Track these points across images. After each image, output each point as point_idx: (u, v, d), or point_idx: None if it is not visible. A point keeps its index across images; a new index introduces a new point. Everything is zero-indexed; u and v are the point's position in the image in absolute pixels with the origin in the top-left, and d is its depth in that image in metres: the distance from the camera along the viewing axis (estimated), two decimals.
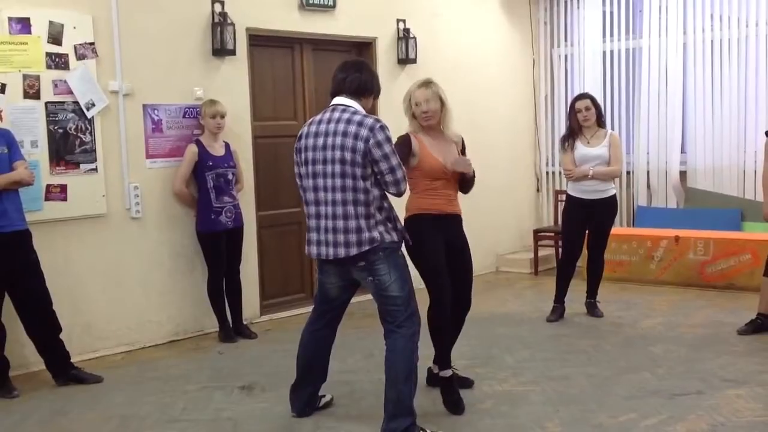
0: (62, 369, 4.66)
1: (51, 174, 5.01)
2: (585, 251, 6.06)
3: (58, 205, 5.04)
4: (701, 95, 7.63)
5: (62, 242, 5.07)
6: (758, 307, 5.35)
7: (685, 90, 7.76)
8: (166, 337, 5.60)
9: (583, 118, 5.72)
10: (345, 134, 3.54)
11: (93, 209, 5.21)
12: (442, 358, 4.11)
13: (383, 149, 3.52)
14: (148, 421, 4.03)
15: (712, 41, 7.56)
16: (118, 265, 5.35)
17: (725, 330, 5.41)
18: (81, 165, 5.14)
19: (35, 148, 4.93)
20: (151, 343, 5.52)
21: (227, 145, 5.61)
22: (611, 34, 8.17)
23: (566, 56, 8.55)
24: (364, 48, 6.90)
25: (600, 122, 5.81)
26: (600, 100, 7.84)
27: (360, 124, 3.54)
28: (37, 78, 4.94)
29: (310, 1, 6.33)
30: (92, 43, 5.17)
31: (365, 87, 3.72)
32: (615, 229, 6.05)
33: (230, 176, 5.53)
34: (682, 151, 7.81)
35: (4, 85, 4.80)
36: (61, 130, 5.05)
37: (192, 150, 5.45)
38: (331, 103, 3.75)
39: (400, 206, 3.94)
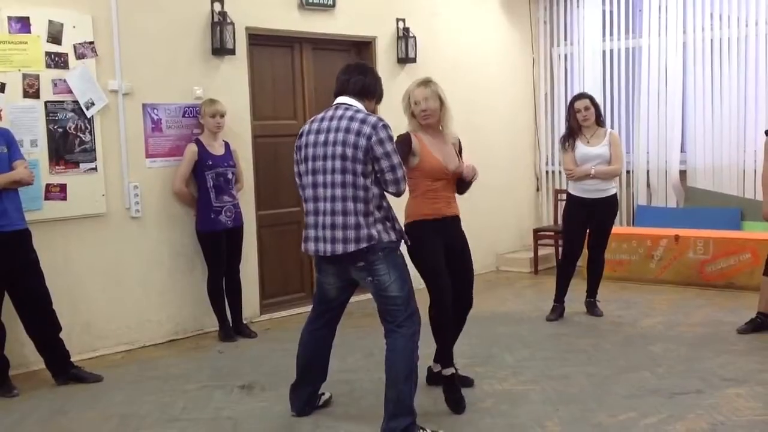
0: (62, 368, 4.66)
1: (50, 173, 5.01)
2: (585, 250, 6.06)
3: (57, 204, 5.04)
4: (701, 94, 7.63)
5: (62, 241, 5.07)
6: (758, 306, 5.35)
7: (685, 89, 7.76)
8: (165, 337, 5.60)
9: (582, 118, 5.72)
10: (347, 130, 3.54)
11: (93, 209, 5.21)
12: (444, 356, 4.11)
13: (385, 147, 3.52)
14: (148, 420, 4.03)
15: (711, 40, 7.56)
16: (117, 264, 5.36)
17: (725, 329, 5.41)
18: (81, 164, 5.14)
19: (35, 148, 4.93)
20: (151, 342, 5.52)
21: (227, 145, 5.61)
22: (611, 34, 8.16)
23: (566, 55, 8.55)
24: (363, 47, 6.90)
25: (599, 121, 5.81)
26: (600, 100, 7.87)
27: (363, 121, 3.55)
28: (37, 77, 4.94)
29: (310, 1, 6.33)
30: (92, 43, 5.17)
31: (368, 89, 3.73)
32: (615, 229, 6.05)
33: (230, 175, 5.53)
34: (682, 150, 7.81)
35: (3, 85, 4.80)
36: (60, 130, 5.05)
37: (192, 149, 5.44)
38: (334, 102, 3.74)
39: (398, 208, 3.93)
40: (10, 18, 4.82)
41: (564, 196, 6.80)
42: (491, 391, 4.29)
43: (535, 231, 7.96)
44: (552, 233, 7.85)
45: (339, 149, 3.54)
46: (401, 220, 3.92)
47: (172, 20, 5.57)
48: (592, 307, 6.02)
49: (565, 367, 4.69)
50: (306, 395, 3.99)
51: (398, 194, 3.65)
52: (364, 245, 3.53)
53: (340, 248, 3.56)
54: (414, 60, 7.06)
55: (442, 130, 4.14)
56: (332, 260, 3.68)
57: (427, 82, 4.09)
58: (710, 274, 6.82)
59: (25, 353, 4.81)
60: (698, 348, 4.99)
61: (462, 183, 4.21)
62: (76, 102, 5.10)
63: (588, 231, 5.90)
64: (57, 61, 5.02)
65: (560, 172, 8.31)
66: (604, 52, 8.22)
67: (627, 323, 5.72)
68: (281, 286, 6.43)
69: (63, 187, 5.05)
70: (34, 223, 4.66)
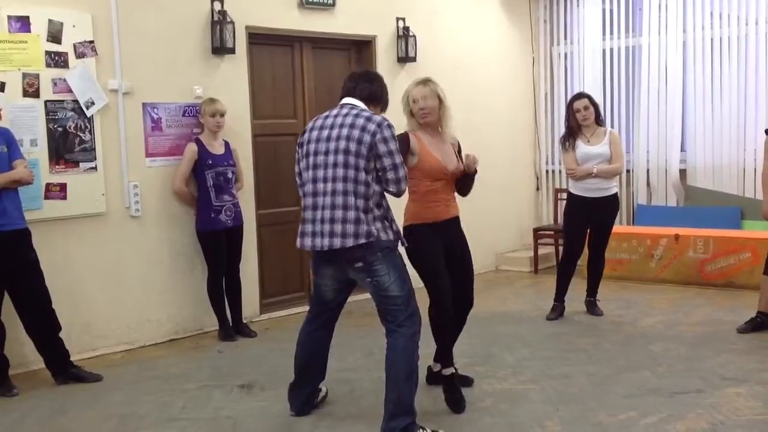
0: (62, 368, 4.66)
1: (50, 173, 5.00)
2: (585, 249, 6.05)
3: (57, 203, 5.03)
4: (701, 93, 7.63)
5: (62, 241, 5.07)
6: (758, 305, 5.35)
7: (685, 88, 7.76)
8: (165, 336, 5.60)
9: (582, 118, 5.72)
10: (352, 126, 3.56)
11: (92, 208, 5.21)
12: (444, 355, 4.11)
13: (389, 145, 3.54)
14: (148, 419, 4.03)
15: (711, 39, 7.55)
16: (117, 263, 5.35)
17: (725, 328, 5.41)
18: (80, 164, 5.14)
19: (35, 147, 4.92)
20: (151, 341, 5.52)
21: (227, 144, 5.61)
22: (611, 32, 8.16)
23: (566, 54, 8.55)
24: (363, 46, 6.89)
25: (598, 121, 5.81)
26: (600, 99, 7.90)
27: (368, 119, 3.58)
28: (37, 76, 4.94)
29: (310, 0, 6.32)
30: (92, 42, 5.17)
31: (375, 96, 3.77)
32: (615, 228, 6.05)
33: (230, 175, 5.53)
34: (682, 149, 7.81)
35: (3, 84, 4.80)
36: (60, 129, 5.04)
37: (192, 148, 5.44)
38: (340, 103, 3.75)
39: (398, 210, 3.91)
40: (9, 17, 4.82)
41: (564, 196, 6.80)
42: (491, 391, 4.29)
43: (535, 230, 7.96)
44: (552, 232, 7.85)
45: (342, 144, 3.54)
46: (400, 221, 3.92)
47: (172, 19, 5.57)
48: (592, 307, 6.02)
49: (565, 366, 4.69)
50: (305, 396, 3.99)
51: (399, 194, 3.65)
52: (362, 241, 3.51)
53: (338, 242, 3.53)
54: (414, 59, 7.05)
55: (441, 130, 4.14)
56: (330, 260, 3.66)
57: (426, 81, 4.10)
58: (710, 273, 6.82)
59: (24, 353, 4.81)
60: (698, 347, 4.99)
61: (464, 183, 4.19)
62: (76, 101, 5.10)
63: (588, 230, 5.89)
64: (57, 60, 5.02)
65: (560, 172, 8.31)
66: (604, 51, 8.22)
67: (627, 322, 5.72)
68: (281, 285, 6.43)
69: (63, 187, 5.05)
70: (33, 222, 4.66)
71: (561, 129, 6.20)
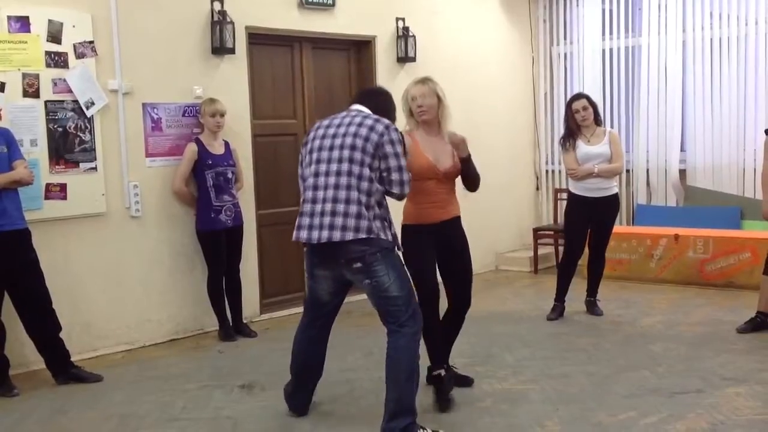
0: (62, 368, 4.66)
1: (50, 173, 5.00)
2: (585, 249, 6.05)
3: (57, 204, 5.03)
4: (701, 93, 7.63)
5: (62, 241, 5.07)
6: (758, 305, 5.35)
7: (685, 88, 7.76)
8: (166, 336, 5.60)
9: (581, 118, 5.73)
10: (360, 125, 3.61)
11: (92, 208, 5.21)
12: (434, 357, 4.10)
13: (395, 148, 3.57)
14: (148, 419, 4.03)
15: (711, 39, 7.56)
16: (117, 264, 5.35)
17: (725, 328, 5.41)
18: (80, 164, 5.14)
19: (35, 147, 4.92)
20: (151, 342, 5.52)
21: (227, 144, 5.61)
22: (611, 32, 8.16)
23: (566, 54, 8.55)
24: (363, 46, 6.89)
25: (597, 121, 5.82)
26: (599, 99, 7.91)
27: (377, 120, 3.63)
28: (37, 77, 4.94)
29: (310, 0, 6.33)
30: (91, 42, 5.17)
31: (381, 109, 3.79)
32: (615, 228, 6.05)
33: (230, 175, 5.53)
34: (682, 149, 7.81)
35: (3, 84, 4.80)
36: (60, 129, 5.05)
37: (191, 149, 5.44)
38: (348, 108, 3.80)
39: (396, 214, 3.90)
40: (9, 17, 4.82)
41: (564, 196, 6.81)
42: (491, 391, 4.29)
43: (535, 230, 7.96)
44: (552, 232, 7.85)
45: (349, 140, 3.57)
46: (398, 224, 3.90)
47: (172, 19, 5.57)
48: (592, 307, 6.02)
49: (565, 366, 4.69)
50: (307, 397, 4.00)
51: (401, 197, 3.67)
52: (362, 235, 3.48)
53: (337, 235, 3.50)
54: (414, 59, 7.06)
55: (440, 130, 4.13)
56: (326, 259, 3.64)
57: (425, 80, 4.10)
58: (710, 274, 6.82)
59: (25, 353, 4.81)
60: (698, 347, 4.99)
61: (465, 175, 4.13)
62: (76, 101, 5.10)
63: (589, 230, 5.90)
64: (57, 60, 5.02)
65: (560, 171, 8.31)
66: (603, 51, 8.22)
67: (627, 322, 5.72)
68: (281, 285, 6.43)
69: (63, 187, 5.05)
70: (34, 222, 4.66)
71: (561, 129, 6.20)
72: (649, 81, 7.85)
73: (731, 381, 4.31)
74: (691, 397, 4.08)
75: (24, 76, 4.89)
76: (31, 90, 4.92)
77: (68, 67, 5.07)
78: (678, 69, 7.72)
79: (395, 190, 3.61)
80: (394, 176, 3.58)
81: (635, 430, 3.68)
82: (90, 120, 5.17)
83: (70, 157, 5.09)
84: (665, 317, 5.82)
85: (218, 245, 5.50)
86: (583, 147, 5.72)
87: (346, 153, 3.56)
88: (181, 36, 5.63)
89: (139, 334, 5.47)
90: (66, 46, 5.05)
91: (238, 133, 5.90)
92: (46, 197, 4.98)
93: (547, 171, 8.67)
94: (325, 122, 3.74)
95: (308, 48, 6.55)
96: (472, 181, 4.20)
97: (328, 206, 3.55)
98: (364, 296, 3.74)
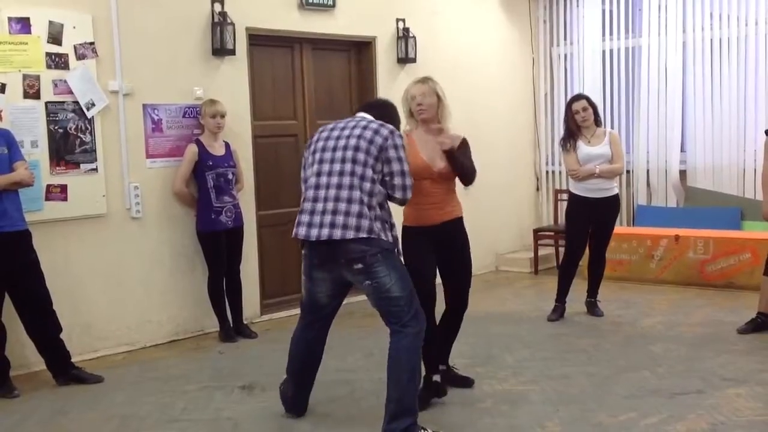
0: (63, 369, 4.67)
1: (51, 174, 5.01)
2: (586, 250, 6.06)
3: (58, 205, 5.04)
4: (701, 94, 7.63)
5: (62, 242, 5.07)
6: (758, 305, 5.35)
7: (685, 89, 7.76)
8: (166, 337, 5.60)
9: (581, 119, 5.73)
10: (365, 128, 3.65)
11: (93, 209, 5.21)
12: (426, 362, 4.04)
13: (398, 152, 3.61)
14: (149, 420, 4.04)
15: (711, 40, 7.55)
16: (118, 265, 5.36)
17: (725, 329, 5.41)
18: (81, 165, 5.14)
19: (35, 148, 4.93)
20: (152, 342, 5.52)
21: (227, 145, 5.61)
22: (611, 33, 8.16)
23: (566, 55, 8.55)
24: (363, 47, 6.90)
25: (597, 121, 5.82)
26: (599, 99, 7.91)
27: (381, 125, 3.69)
28: (37, 78, 4.94)
29: (310, 1, 6.33)
30: (92, 43, 5.17)
31: (387, 119, 3.82)
32: (615, 228, 6.06)
33: (230, 176, 5.53)
34: (682, 150, 7.81)
35: (4, 85, 4.80)
36: (61, 130, 5.05)
37: (192, 150, 5.45)
38: (353, 116, 3.85)
39: (396, 216, 3.90)
40: (10, 19, 4.82)
41: (564, 196, 6.81)
42: (491, 392, 4.30)
43: (535, 231, 7.96)
44: (552, 233, 7.85)
45: (353, 141, 3.60)
46: (399, 226, 3.91)
47: (172, 20, 5.57)
48: (592, 307, 6.02)
49: (565, 367, 4.69)
50: (303, 397, 3.99)
51: (403, 201, 3.68)
52: (363, 235, 3.48)
53: (338, 233, 3.50)
54: (414, 60, 7.06)
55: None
56: (326, 260, 3.63)
57: (425, 80, 4.11)
58: (710, 274, 6.82)
59: (25, 354, 4.81)
60: (698, 348, 4.99)
61: (462, 174, 4.07)
62: (76, 102, 5.10)
63: (589, 231, 5.90)
64: (57, 61, 5.02)
65: (560, 172, 8.31)
66: (603, 51, 8.22)
67: (627, 323, 5.72)
68: (282, 286, 6.43)
69: (63, 188, 5.06)
70: (34, 223, 4.66)
71: (561, 130, 6.20)
72: (650, 82, 7.85)
73: (732, 382, 4.31)
74: (692, 397, 4.08)
75: (24, 77, 4.89)
76: (31, 91, 4.92)
77: (69, 69, 5.07)
78: (678, 70, 7.72)
79: (397, 194, 3.62)
80: (397, 181, 3.60)
81: (635, 430, 3.68)
82: (90, 121, 5.18)
83: (71, 159, 5.09)
84: (665, 318, 5.83)
85: (219, 246, 5.50)
86: (583, 148, 5.73)
87: (349, 153, 3.58)
88: (181, 37, 5.63)
89: (139, 335, 5.48)
90: (66, 48, 5.05)
91: (238, 134, 5.90)
92: (47, 198, 4.99)
93: (547, 172, 8.67)
94: (330, 126, 3.78)
95: (308, 49, 6.55)
96: (462, 175, 4.09)
97: (330, 205, 3.55)
98: (365, 297, 3.74)
